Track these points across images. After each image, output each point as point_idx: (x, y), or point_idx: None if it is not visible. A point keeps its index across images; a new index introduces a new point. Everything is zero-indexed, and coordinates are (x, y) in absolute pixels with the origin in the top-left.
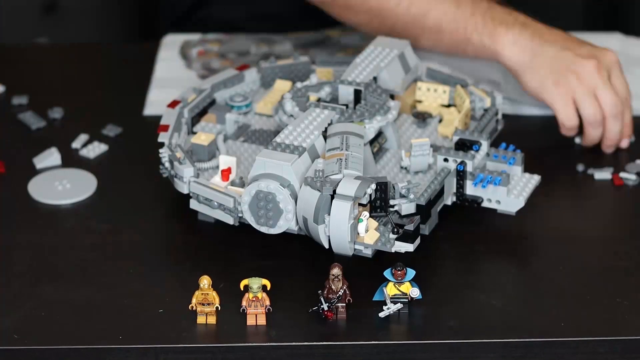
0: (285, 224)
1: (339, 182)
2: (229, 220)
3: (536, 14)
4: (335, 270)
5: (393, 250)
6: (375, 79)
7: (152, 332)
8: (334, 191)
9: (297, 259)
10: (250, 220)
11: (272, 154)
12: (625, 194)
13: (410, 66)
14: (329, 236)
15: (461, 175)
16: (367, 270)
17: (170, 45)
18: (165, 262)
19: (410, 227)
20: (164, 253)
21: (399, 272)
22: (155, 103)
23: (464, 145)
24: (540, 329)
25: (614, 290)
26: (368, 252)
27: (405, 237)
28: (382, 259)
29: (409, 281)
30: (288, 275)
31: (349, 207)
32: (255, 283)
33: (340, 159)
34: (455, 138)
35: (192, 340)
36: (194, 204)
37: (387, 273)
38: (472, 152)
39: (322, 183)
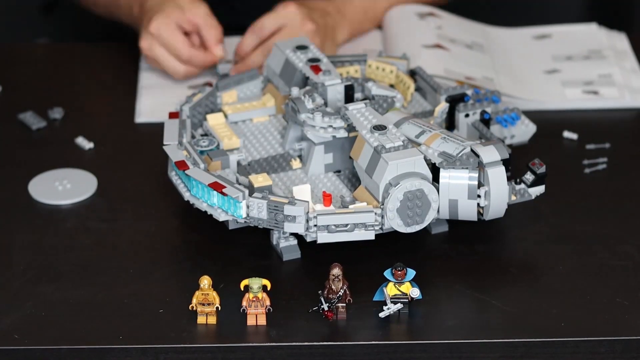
0: (432, 214)
1: (477, 153)
2: (371, 235)
3: (539, 8)
4: (336, 271)
5: (534, 197)
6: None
7: (152, 332)
8: (481, 162)
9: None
10: (398, 225)
11: (397, 154)
12: (624, 192)
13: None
14: (482, 207)
15: (487, 122)
16: (368, 271)
17: None
18: (165, 262)
19: (542, 169)
20: (164, 253)
21: (399, 272)
22: (146, 111)
23: (453, 101)
24: (540, 329)
25: (614, 290)
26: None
27: (535, 182)
28: (383, 259)
29: (409, 281)
30: (288, 275)
31: (503, 170)
32: (256, 283)
33: (444, 137)
34: (444, 96)
35: (192, 340)
36: (323, 238)
37: (387, 273)
38: (470, 102)
39: (461, 162)
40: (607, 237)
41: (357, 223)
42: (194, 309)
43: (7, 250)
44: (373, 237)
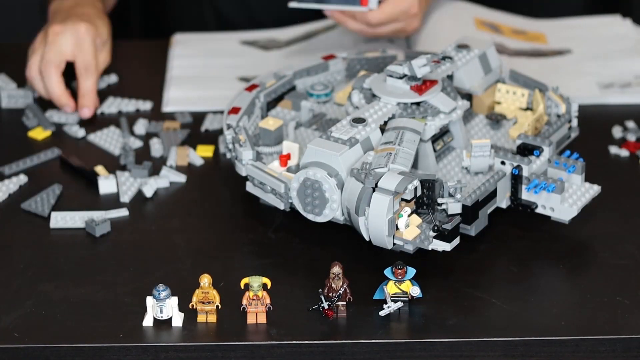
0: (331, 213)
1: (382, 175)
2: (280, 205)
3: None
4: (336, 269)
5: (430, 248)
6: (450, 77)
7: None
8: (377, 184)
9: (297, 257)
10: (298, 206)
11: (324, 143)
12: (625, 191)
13: (491, 67)
14: (367, 228)
15: (516, 179)
16: (368, 269)
17: (181, 43)
18: (165, 261)
19: (448, 226)
20: (164, 252)
21: (400, 271)
22: (174, 100)
23: (525, 150)
24: (541, 328)
25: (614, 289)
26: (409, 248)
27: (443, 236)
28: (384, 258)
29: (410, 280)
30: (288, 274)
31: (388, 201)
32: (256, 281)
33: (389, 153)
34: (518, 142)
35: (193, 338)
36: (249, 187)
37: (387, 271)
38: (531, 157)
39: (366, 175)
40: (607, 236)
41: (272, 188)
42: (194, 307)
43: (7, 249)
44: (282, 208)
